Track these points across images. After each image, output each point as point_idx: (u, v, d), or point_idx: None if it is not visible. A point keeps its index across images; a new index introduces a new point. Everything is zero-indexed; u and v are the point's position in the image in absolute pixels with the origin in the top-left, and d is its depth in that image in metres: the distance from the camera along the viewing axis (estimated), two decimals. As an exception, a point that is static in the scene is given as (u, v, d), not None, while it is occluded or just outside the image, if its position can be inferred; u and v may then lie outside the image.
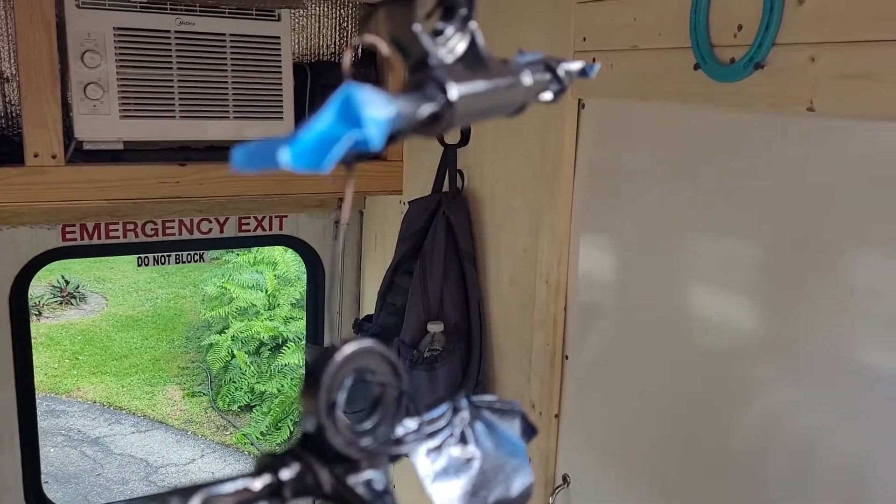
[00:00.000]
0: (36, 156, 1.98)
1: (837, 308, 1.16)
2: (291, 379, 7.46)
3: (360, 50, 2.50)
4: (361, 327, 2.19)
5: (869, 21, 1.04)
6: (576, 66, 0.44)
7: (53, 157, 2.00)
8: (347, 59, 0.37)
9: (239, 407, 7.82)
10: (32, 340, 2.41)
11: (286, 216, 2.62)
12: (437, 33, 0.38)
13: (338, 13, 2.47)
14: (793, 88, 1.14)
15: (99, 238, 2.39)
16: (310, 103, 2.35)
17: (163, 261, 2.58)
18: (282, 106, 2.25)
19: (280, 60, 2.23)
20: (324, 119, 0.29)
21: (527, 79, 0.40)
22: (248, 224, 2.58)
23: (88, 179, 2.05)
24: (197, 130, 2.18)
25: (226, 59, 2.17)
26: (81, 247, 2.40)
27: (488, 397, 0.45)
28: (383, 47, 0.36)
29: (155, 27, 2.08)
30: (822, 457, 1.18)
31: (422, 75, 0.34)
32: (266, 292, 8.23)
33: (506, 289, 1.90)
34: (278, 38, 2.22)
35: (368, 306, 2.58)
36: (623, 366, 1.62)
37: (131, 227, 2.41)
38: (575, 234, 1.68)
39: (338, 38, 2.48)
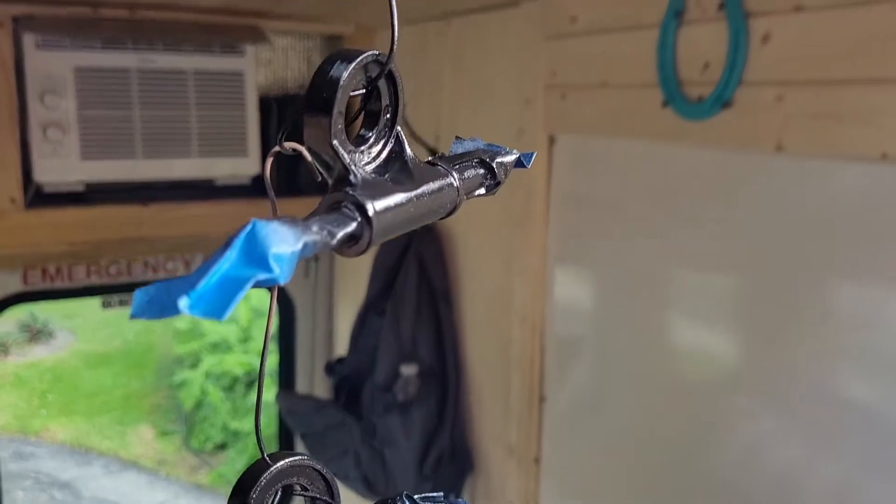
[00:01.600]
0: (-7, 200, 1.92)
1: (817, 339, 1.14)
2: (267, 416, 7.34)
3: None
4: (333, 370, 2.13)
5: (833, 61, 1.03)
6: (511, 157, 0.43)
7: (12, 201, 1.95)
8: (268, 169, 0.35)
9: (213, 446, 7.66)
10: (-1, 381, 2.33)
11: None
12: (360, 140, 0.36)
13: (305, 45, 2.45)
14: (761, 127, 1.13)
15: (62, 281, 2.33)
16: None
17: (128, 302, 2.50)
18: (247, 142, 2.21)
19: (244, 96, 2.20)
20: (226, 259, 0.27)
21: (456, 182, 0.38)
22: (217, 263, 2.53)
23: (49, 223, 2.00)
24: (161, 169, 2.13)
25: (189, 95, 2.13)
26: (44, 291, 2.33)
27: (433, 495, 0.42)
28: (307, 154, 0.34)
29: (116, 66, 2.04)
30: (804, 492, 1.16)
31: (339, 194, 0.32)
32: (239, 325, 8.11)
33: (481, 328, 1.87)
34: (242, 73, 2.19)
35: (342, 344, 2.53)
36: (603, 407, 1.59)
37: (95, 268, 2.35)
38: (550, 272, 1.66)
39: (307, 71, 2.46)
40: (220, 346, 8.10)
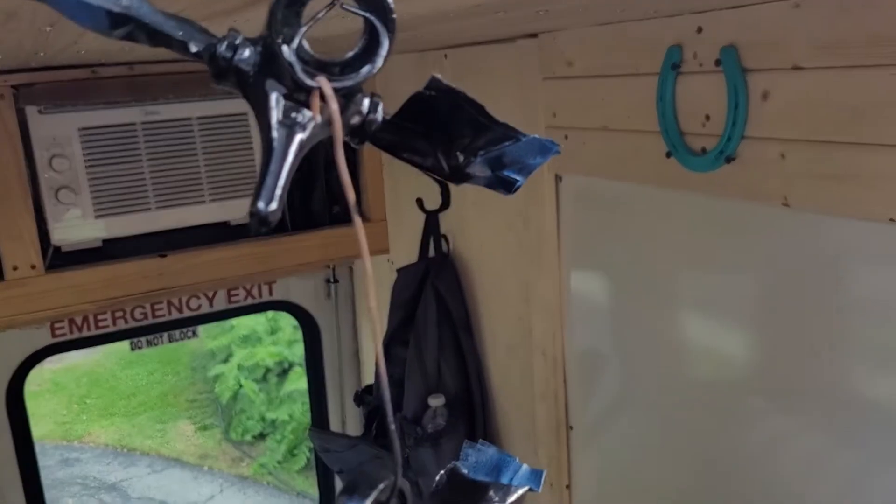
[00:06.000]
0: (15, 269, 1.96)
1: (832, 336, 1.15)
2: (302, 404, 7.46)
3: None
4: (363, 400, 2.17)
5: (833, 123, 1.02)
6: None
7: (32, 267, 1.98)
8: None
9: (252, 437, 7.82)
10: (38, 388, 2.40)
11: (275, 281, 2.60)
12: None
13: (304, 76, 2.43)
14: (766, 183, 1.12)
15: (89, 329, 2.37)
16: (286, 174, 2.33)
17: (156, 342, 2.56)
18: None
19: (250, 136, 2.20)
20: None
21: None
22: (238, 294, 2.56)
23: (70, 285, 2.03)
24: (175, 218, 2.15)
25: (196, 142, 2.15)
26: (72, 341, 2.38)
27: None
28: None
29: (120, 122, 2.05)
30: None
31: None
32: (267, 317, 8.21)
33: (504, 358, 1.89)
34: (246, 113, 2.19)
35: (369, 370, 2.56)
36: (628, 431, 1.61)
37: (120, 314, 2.39)
38: (568, 304, 1.67)
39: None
40: (249, 339, 8.21)
